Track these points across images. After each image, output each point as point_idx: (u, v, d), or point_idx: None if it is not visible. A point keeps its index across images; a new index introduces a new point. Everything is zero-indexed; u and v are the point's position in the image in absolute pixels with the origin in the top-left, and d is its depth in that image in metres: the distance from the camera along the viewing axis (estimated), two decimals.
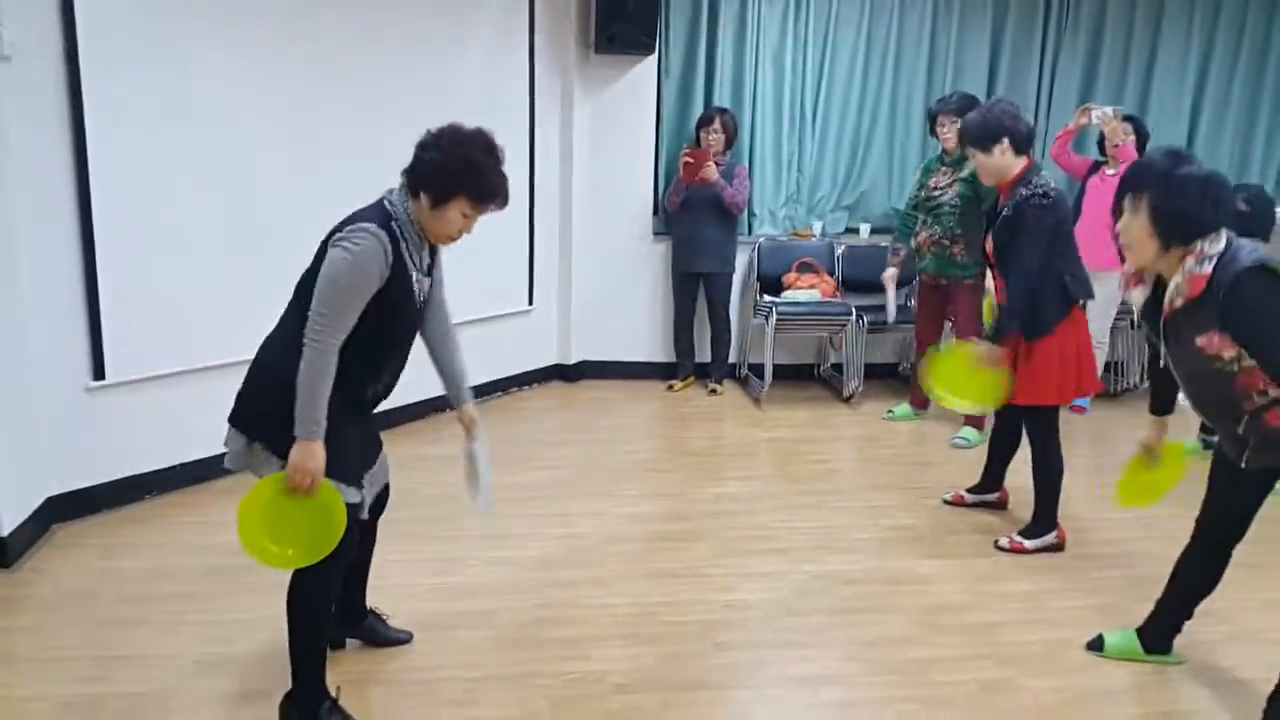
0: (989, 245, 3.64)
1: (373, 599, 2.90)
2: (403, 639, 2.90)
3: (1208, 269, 2.34)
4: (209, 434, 3.99)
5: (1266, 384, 2.33)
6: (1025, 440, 3.86)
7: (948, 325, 5.24)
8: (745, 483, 4.37)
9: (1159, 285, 2.50)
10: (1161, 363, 2.61)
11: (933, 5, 5.92)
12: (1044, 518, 3.65)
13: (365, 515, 2.56)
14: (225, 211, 3.99)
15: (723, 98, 5.82)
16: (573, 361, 5.98)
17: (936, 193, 4.91)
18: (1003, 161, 3.54)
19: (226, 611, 3.06)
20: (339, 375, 2.26)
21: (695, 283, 5.76)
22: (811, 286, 5.66)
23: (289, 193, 4.08)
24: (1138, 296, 2.59)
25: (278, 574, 2.41)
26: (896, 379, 6.15)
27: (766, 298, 5.74)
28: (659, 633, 3.01)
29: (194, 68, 3.82)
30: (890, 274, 5.25)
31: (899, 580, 3.42)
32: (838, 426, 5.29)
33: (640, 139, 5.79)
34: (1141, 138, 5.21)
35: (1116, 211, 2.50)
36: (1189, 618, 2.84)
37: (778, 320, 5.47)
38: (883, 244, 6.00)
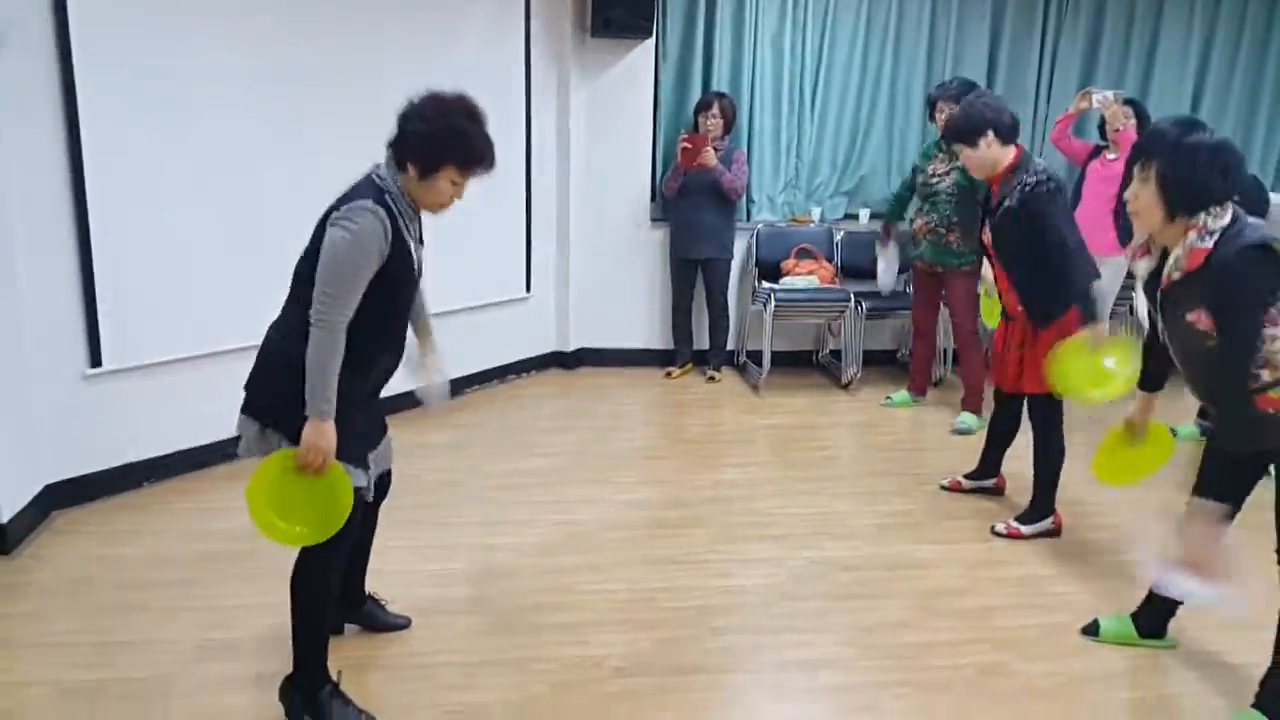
0: (986, 236, 3.63)
1: (372, 584, 2.91)
2: (401, 624, 2.91)
3: (1208, 244, 2.33)
4: (207, 420, 4.05)
5: (1257, 366, 2.33)
6: (1022, 426, 3.88)
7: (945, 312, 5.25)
8: (743, 469, 4.38)
9: (1165, 258, 2.50)
10: (1160, 338, 2.61)
11: None
12: (1041, 504, 3.66)
13: (370, 498, 2.56)
14: (221, 198, 3.98)
15: (721, 82, 5.80)
16: (571, 349, 5.98)
17: (934, 180, 4.90)
18: (989, 154, 3.53)
19: (226, 597, 3.07)
20: (347, 354, 2.26)
21: (693, 269, 5.75)
22: (810, 273, 5.65)
23: (284, 181, 4.07)
24: (1142, 268, 2.59)
25: (278, 559, 2.42)
26: (895, 365, 6.16)
27: (765, 284, 5.74)
28: (657, 618, 3.03)
29: (188, 56, 3.81)
30: (881, 247, 5.35)
31: (896, 565, 3.43)
32: (836, 413, 5.29)
33: (638, 124, 5.77)
34: (1142, 122, 5.18)
35: (1126, 179, 2.49)
36: (1182, 602, 2.86)
37: (776, 306, 5.47)
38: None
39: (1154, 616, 2.90)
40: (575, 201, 5.78)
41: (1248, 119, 6.24)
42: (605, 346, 6.02)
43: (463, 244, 4.97)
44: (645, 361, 6.01)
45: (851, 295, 5.54)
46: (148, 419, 3.91)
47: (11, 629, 2.88)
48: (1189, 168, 2.32)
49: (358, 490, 2.37)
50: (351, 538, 2.44)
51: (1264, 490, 2.57)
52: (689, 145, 5.37)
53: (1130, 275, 2.79)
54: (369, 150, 2.43)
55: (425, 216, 2.49)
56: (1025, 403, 3.72)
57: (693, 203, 5.55)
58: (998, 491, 4.07)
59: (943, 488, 4.13)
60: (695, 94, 5.76)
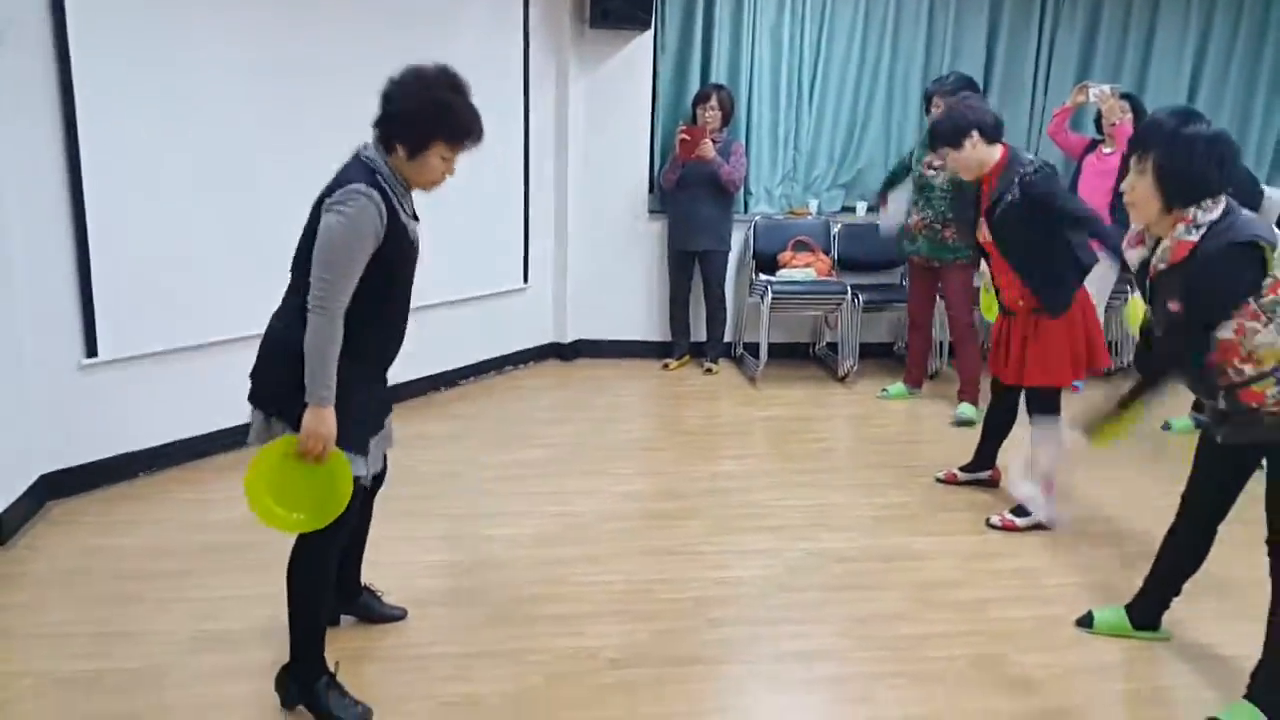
0: (984, 235, 3.60)
1: (368, 576, 2.91)
2: (397, 615, 2.91)
3: (1195, 237, 2.34)
4: (204, 410, 4.05)
5: (1242, 359, 2.34)
6: (1017, 421, 3.89)
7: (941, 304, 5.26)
8: (740, 461, 4.39)
9: (1157, 246, 2.50)
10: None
11: None
12: None
13: (368, 484, 2.55)
14: (218, 189, 3.97)
15: (719, 74, 5.79)
16: (568, 340, 5.98)
17: (930, 174, 4.91)
18: (975, 154, 3.53)
19: (222, 588, 3.08)
20: (353, 339, 2.25)
21: (691, 261, 5.75)
22: (807, 265, 5.65)
23: (281, 172, 4.06)
24: (1134, 257, 2.59)
25: (275, 550, 2.43)
26: (891, 358, 6.16)
27: (762, 276, 5.74)
28: (653, 609, 3.04)
29: (186, 49, 3.80)
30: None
31: (892, 557, 3.44)
32: (832, 405, 5.30)
33: (636, 116, 5.76)
34: (1139, 116, 5.19)
35: (1124, 171, 2.50)
36: (1177, 594, 2.87)
37: (773, 299, 5.47)
38: (879, 222, 6.01)
39: (1148, 608, 2.91)
40: (573, 193, 5.78)
41: (1243, 111, 6.25)
42: (603, 338, 6.02)
43: (461, 235, 4.97)
44: (643, 353, 6.01)
45: (848, 288, 5.54)
46: (144, 409, 3.90)
47: (7, 619, 2.88)
48: (1186, 159, 2.32)
49: (356, 478, 2.36)
50: (350, 526, 2.43)
51: (1257, 484, 2.59)
52: (687, 137, 5.36)
53: (1126, 269, 2.80)
54: (366, 141, 2.42)
55: (420, 200, 2.47)
56: (1024, 395, 3.73)
57: (691, 195, 5.54)
58: (992, 484, 4.08)
59: (938, 480, 4.14)
60: (693, 86, 5.75)
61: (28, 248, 3.47)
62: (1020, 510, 3.69)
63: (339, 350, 2.23)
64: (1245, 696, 2.51)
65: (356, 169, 2.30)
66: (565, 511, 3.74)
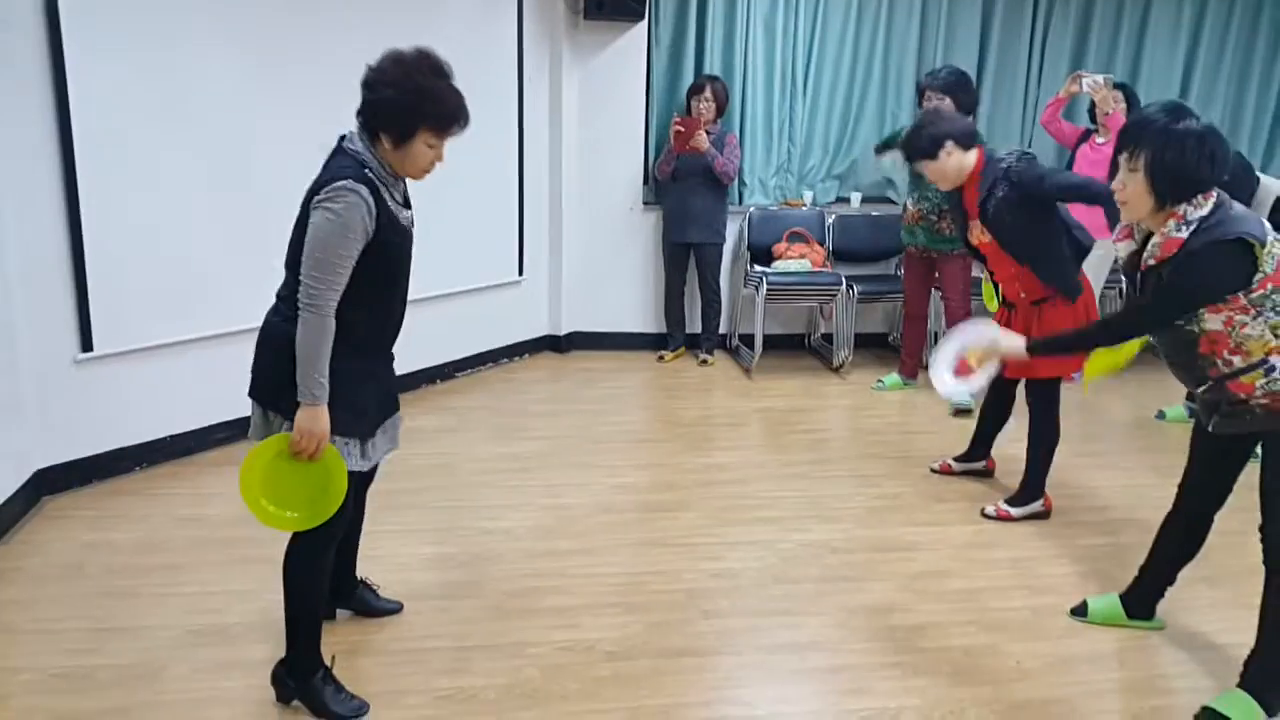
0: (977, 237, 3.59)
1: (363, 569, 2.91)
2: (393, 609, 2.91)
3: (1184, 234, 2.33)
4: (199, 404, 4.05)
5: (1231, 351, 2.34)
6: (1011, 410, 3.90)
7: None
8: (735, 452, 4.39)
9: (1148, 240, 2.49)
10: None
11: None
12: (1032, 486, 3.68)
13: (376, 458, 2.52)
14: (212, 182, 3.96)
15: (713, 66, 5.77)
16: (563, 332, 5.98)
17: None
18: (952, 161, 3.51)
19: (217, 582, 3.07)
20: (347, 328, 2.24)
21: (686, 253, 5.75)
22: (802, 256, 5.65)
23: (277, 164, 4.04)
24: (1123, 249, 2.60)
25: (270, 545, 2.43)
26: (886, 349, 6.17)
27: (757, 268, 5.74)
28: (648, 601, 3.04)
29: (179, 37, 3.78)
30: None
31: (886, 548, 3.44)
32: (827, 396, 5.30)
33: (630, 107, 5.75)
34: (1132, 106, 5.19)
35: (1114, 165, 2.48)
36: (1171, 584, 2.88)
37: (768, 290, 5.47)
38: (874, 213, 6.02)
39: (1143, 598, 2.92)
40: (568, 185, 5.76)
41: (1236, 99, 6.27)
42: (598, 330, 6.02)
43: (455, 228, 4.96)
44: (638, 345, 6.01)
45: (843, 279, 5.55)
46: (139, 403, 3.90)
47: (2, 615, 2.88)
48: (1178, 155, 2.30)
49: (350, 473, 2.36)
50: (346, 520, 2.43)
51: (1250, 474, 2.59)
52: (681, 129, 5.35)
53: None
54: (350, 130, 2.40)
55: (415, 192, 2.46)
56: (1023, 386, 3.73)
57: (685, 186, 5.54)
58: (987, 474, 4.09)
59: (932, 470, 4.15)
60: (688, 77, 5.74)
61: (21, 242, 3.45)
62: (1015, 500, 3.70)
63: (330, 347, 2.22)
64: (1239, 685, 2.51)
65: (343, 162, 2.27)
66: (560, 504, 3.74)
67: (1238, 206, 2.36)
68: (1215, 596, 3.10)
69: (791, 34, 5.85)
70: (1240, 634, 2.68)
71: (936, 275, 5.10)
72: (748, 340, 5.87)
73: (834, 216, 5.99)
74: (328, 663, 2.47)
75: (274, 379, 2.30)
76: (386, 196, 2.29)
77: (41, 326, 3.56)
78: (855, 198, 6.09)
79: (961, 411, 4.89)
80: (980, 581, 3.22)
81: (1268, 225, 2.34)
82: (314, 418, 2.22)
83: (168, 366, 3.94)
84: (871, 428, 4.78)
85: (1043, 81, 6.08)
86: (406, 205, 2.43)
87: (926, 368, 5.55)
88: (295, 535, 2.39)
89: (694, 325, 5.94)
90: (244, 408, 2.42)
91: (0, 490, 3.38)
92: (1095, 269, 5.09)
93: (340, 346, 2.24)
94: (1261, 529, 2.49)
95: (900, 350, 5.51)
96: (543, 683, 2.61)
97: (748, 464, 4.23)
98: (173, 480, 3.90)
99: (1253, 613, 2.52)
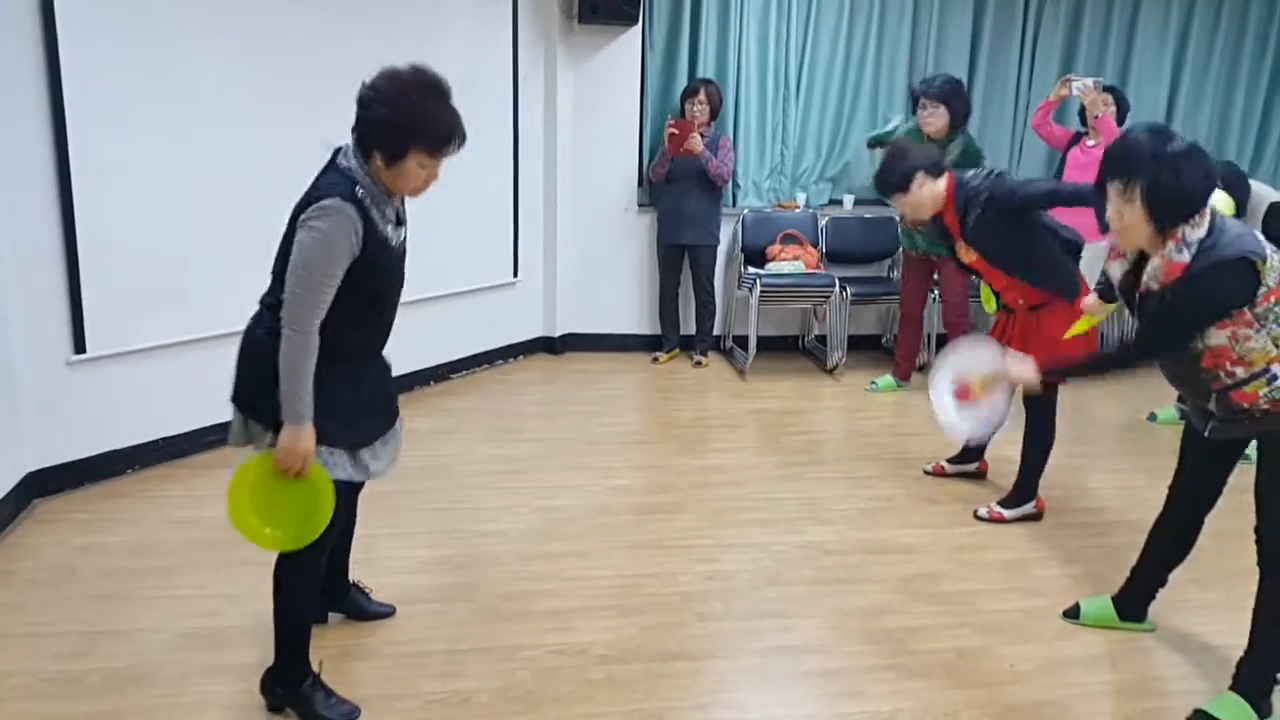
0: (967, 257, 3.59)
1: (356, 573, 2.91)
2: (385, 612, 2.91)
3: (1186, 257, 2.30)
4: (192, 406, 4.03)
5: (1234, 363, 2.35)
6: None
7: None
8: (729, 454, 4.39)
9: (1142, 259, 2.48)
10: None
11: None
12: (1026, 487, 3.69)
13: (373, 472, 2.49)
14: (207, 185, 3.95)
15: (707, 69, 5.78)
16: (558, 334, 5.97)
17: None
18: (925, 191, 3.52)
19: (209, 585, 3.07)
20: (332, 342, 2.22)
21: (680, 255, 5.75)
22: (795, 258, 5.66)
23: (269, 166, 4.03)
24: (1115, 270, 2.58)
25: (261, 549, 2.41)
26: (880, 351, 6.17)
27: (751, 269, 5.74)
28: (642, 604, 3.04)
29: (176, 38, 3.78)
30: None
31: (880, 550, 3.45)
32: (821, 398, 5.31)
33: (625, 110, 5.75)
34: (1122, 109, 5.21)
35: (1100, 191, 2.43)
36: (1163, 585, 2.89)
37: (762, 292, 5.48)
38: (867, 215, 6.03)
39: (1134, 599, 2.93)
40: (562, 187, 5.76)
41: (1225, 99, 6.30)
42: (592, 332, 6.02)
43: (451, 230, 4.95)
44: (632, 347, 6.01)
45: (836, 280, 5.55)
46: (132, 405, 3.88)
47: None
48: (1174, 178, 2.26)
49: (341, 481, 2.34)
50: (338, 531, 2.42)
51: (1239, 475, 2.61)
52: (675, 131, 5.36)
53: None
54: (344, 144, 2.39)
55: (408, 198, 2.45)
56: (1020, 391, 3.73)
57: (679, 189, 5.54)
58: (980, 476, 4.10)
59: (926, 472, 4.16)
60: (682, 80, 5.75)
61: (14, 242, 3.44)
62: (1008, 502, 3.70)
63: (313, 366, 2.19)
64: (1231, 687, 2.52)
65: (334, 179, 2.24)
66: (554, 506, 3.74)
67: (1228, 222, 2.35)
68: (1207, 598, 3.11)
69: (784, 37, 5.86)
70: (1231, 636, 2.69)
71: (935, 277, 5.11)
72: (742, 342, 5.87)
73: (827, 218, 6.00)
74: (316, 669, 2.47)
75: (254, 387, 2.29)
76: (376, 216, 2.25)
77: (34, 328, 3.55)
78: (848, 200, 6.09)
79: None
80: (973, 584, 3.23)
81: (1261, 238, 2.35)
82: (297, 437, 2.19)
83: (161, 368, 3.93)
84: (865, 429, 4.78)
85: (1033, 84, 6.09)
86: (400, 223, 2.40)
87: (922, 370, 5.62)
88: None
89: (688, 327, 5.94)
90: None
91: None
92: (1089, 265, 5.09)
93: (326, 359, 2.22)
94: (1256, 530, 2.50)
95: (894, 352, 5.52)
96: (536, 686, 2.60)
97: (742, 466, 4.24)
98: (166, 483, 3.89)
99: (1244, 614, 2.53)
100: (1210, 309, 2.32)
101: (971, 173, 3.54)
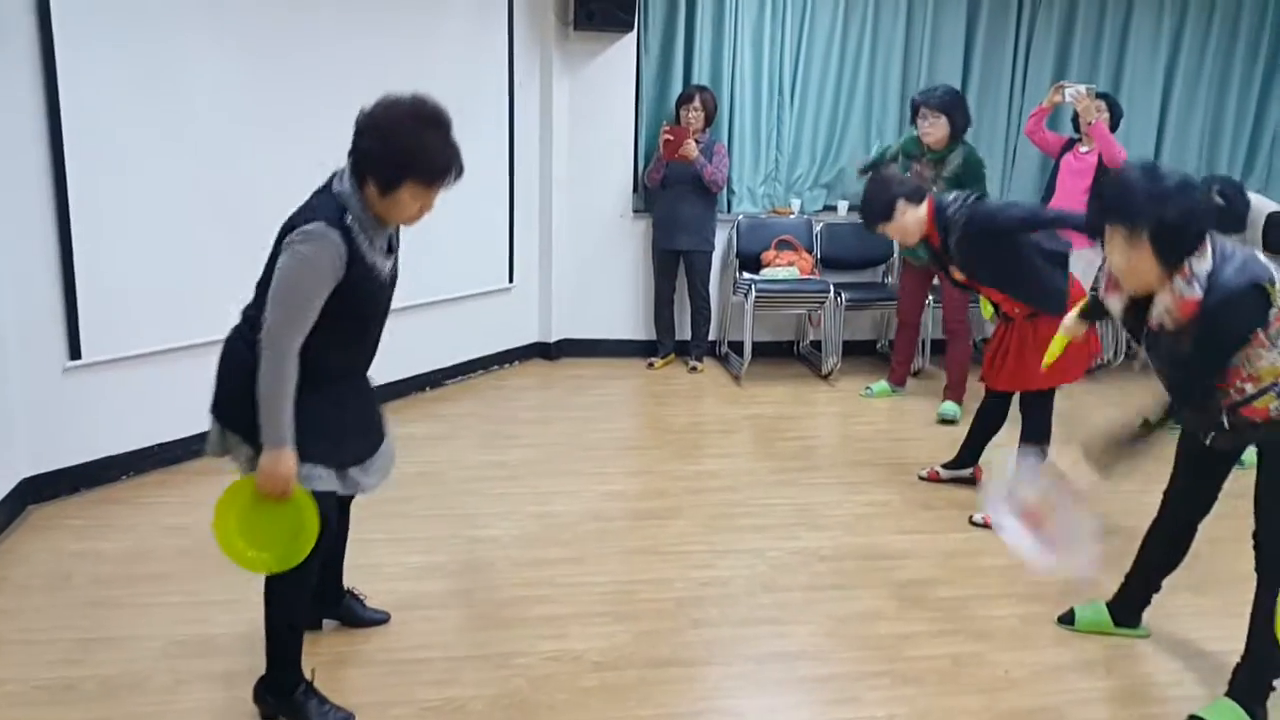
0: (960, 275, 3.63)
1: (350, 579, 2.90)
2: (380, 619, 2.90)
3: (1198, 292, 2.27)
4: (186, 414, 4.01)
5: (1244, 380, 2.35)
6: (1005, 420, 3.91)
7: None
8: (724, 460, 4.39)
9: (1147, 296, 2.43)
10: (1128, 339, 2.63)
11: None
12: None
13: (362, 491, 2.50)
14: (203, 191, 3.94)
15: (701, 75, 5.79)
16: (553, 340, 5.97)
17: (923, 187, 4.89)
18: (908, 218, 3.56)
19: (203, 592, 3.06)
20: (317, 362, 2.21)
21: (675, 260, 5.76)
22: (790, 264, 5.67)
23: (266, 173, 4.03)
24: (1115, 306, 2.55)
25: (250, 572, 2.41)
26: (875, 356, 6.19)
27: (745, 275, 5.75)
28: (637, 610, 3.04)
29: (171, 48, 3.78)
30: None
31: (875, 556, 3.45)
32: (816, 403, 5.32)
33: (620, 116, 5.76)
34: (1115, 115, 5.23)
35: (1096, 235, 2.41)
36: (1157, 591, 2.89)
37: (757, 298, 5.48)
38: (861, 220, 6.02)
39: (1129, 605, 2.93)
40: (558, 193, 5.77)
41: (1217, 104, 6.32)
42: (587, 337, 6.02)
43: (446, 235, 4.94)
44: (627, 352, 6.01)
45: (831, 286, 5.56)
46: (126, 412, 3.87)
47: None
48: (1177, 215, 2.23)
49: (326, 495, 2.32)
50: (330, 538, 2.42)
51: (1233, 481, 2.61)
52: (670, 137, 5.37)
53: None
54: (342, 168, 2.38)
55: None
56: (1018, 397, 3.75)
57: (674, 194, 5.55)
58: (975, 481, 4.10)
59: (921, 478, 4.16)
60: (676, 87, 5.76)
61: (10, 248, 3.43)
62: None
63: (292, 389, 2.17)
64: (1227, 694, 2.53)
65: (324, 202, 2.21)
66: (549, 512, 3.74)
67: (1226, 245, 2.34)
68: (1201, 604, 3.12)
69: (779, 44, 5.87)
70: (1226, 642, 2.70)
71: (935, 282, 5.11)
72: (737, 347, 5.87)
73: (821, 224, 6.01)
74: (309, 676, 2.46)
75: (232, 398, 2.28)
76: (363, 243, 2.23)
77: (30, 334, 3.54)
78: (842, 206, 6.10)
79: (945, 420, 4.90)
80: (968, 589, 3.23)
81: (1262, 258, 2.35)
82: (276, 460, 2.18)
83: (157, 374, 3.92)
84: (860, 435, 4.79)
85: (1027, 90, 6.11)
86: (391, 251, 2.37)
87: (916, 375, 5.64)
88: None
89: (683, 332, 5.94)
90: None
91: None
92: (1085, 268, 5.10)
93: (309, 380, 2.21)
94: (1254, 536, 2.50)
95: (889, 358, 5.52)
96: (530, 693, 2.60)
97: (737, 471, 4.24)
98: (161, 489, 3.88)
99: (1239, 620, 2.53)
100: (1234, 342, 2.31)
101: (951, 197, 3.57)
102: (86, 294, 3.64)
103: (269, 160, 4.07)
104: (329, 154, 2.36)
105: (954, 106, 4.82)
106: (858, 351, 6.10)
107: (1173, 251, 2.27)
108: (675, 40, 5.77)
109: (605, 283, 5.98)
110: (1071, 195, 5.06)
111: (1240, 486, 2.61)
